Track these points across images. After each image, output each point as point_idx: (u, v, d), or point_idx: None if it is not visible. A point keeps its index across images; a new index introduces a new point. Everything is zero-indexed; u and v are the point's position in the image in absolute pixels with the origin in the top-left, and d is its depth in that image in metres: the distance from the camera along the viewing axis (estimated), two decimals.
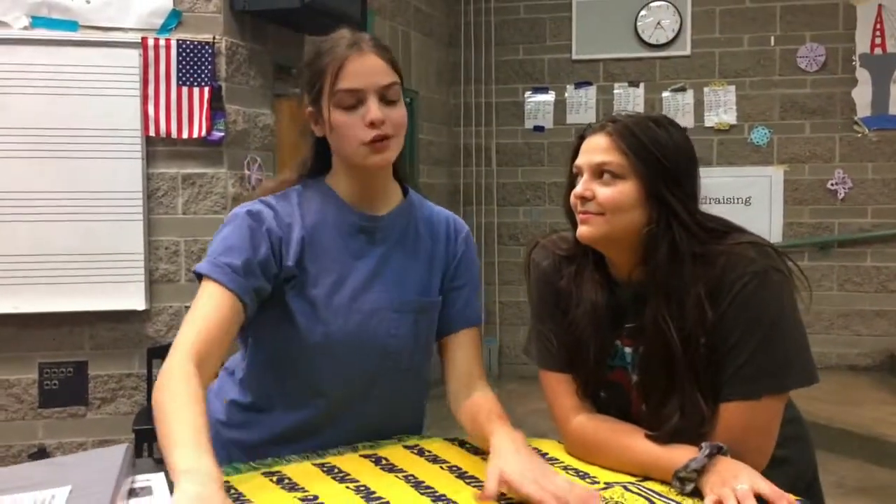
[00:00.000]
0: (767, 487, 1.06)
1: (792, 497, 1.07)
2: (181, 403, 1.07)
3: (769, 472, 1.13)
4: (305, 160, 1.39)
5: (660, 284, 1.21)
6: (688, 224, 1.22)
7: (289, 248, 1.29)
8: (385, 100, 1.26)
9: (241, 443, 1.37)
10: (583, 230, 1.26)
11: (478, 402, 1.34)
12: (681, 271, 1.20)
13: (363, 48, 1.26)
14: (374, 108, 1.24)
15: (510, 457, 1.12)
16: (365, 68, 1.25)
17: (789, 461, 1.32)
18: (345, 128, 1.26)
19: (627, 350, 1.30)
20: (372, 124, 1.24)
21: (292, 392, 1.35)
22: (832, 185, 5.55)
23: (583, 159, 1.28)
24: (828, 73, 5.51)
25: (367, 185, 1.34)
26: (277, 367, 1.35)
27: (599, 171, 1.24)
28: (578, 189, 1.27)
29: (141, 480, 1.03)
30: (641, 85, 5.73)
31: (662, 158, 1.22)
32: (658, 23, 5.68)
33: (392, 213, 1.38)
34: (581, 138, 1.31)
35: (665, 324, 1.20)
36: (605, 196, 1.23)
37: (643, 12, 5.66)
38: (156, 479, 1.03)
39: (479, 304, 1.48)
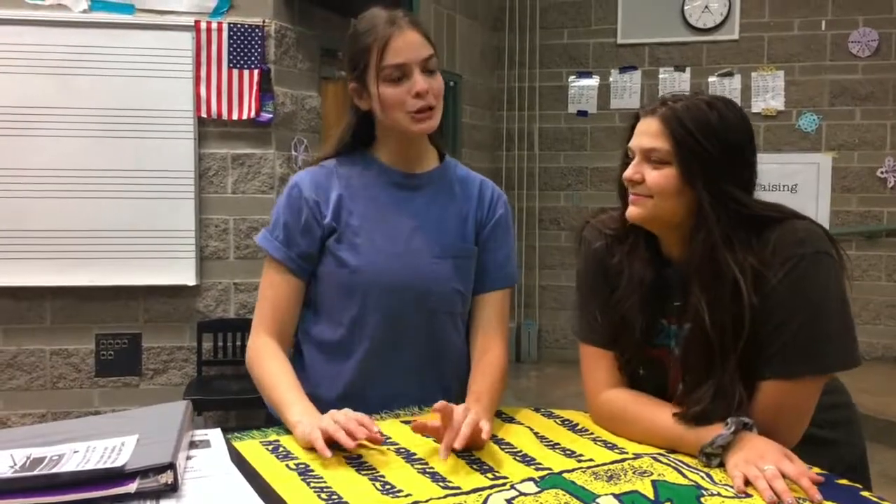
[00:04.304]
0: (791, 467, 1.09)
1: (814, 473, 1.10)
2: (277, 374, 1.38)
3: (814, 451, 1.16)
4: (345, 132, 1.50)
5: (696, 273, 1.24)
6: (731, 212, 1.22)
7: (327, 207, 1.44)
8: (426, 70, 1.38)
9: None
10: (631, 211, 1.30)
11: (480, 370, 1.44)
12: (717, 261, 1.21)
13: (402, 25, 1.37)
14: (420, 80, 1.36)
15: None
16: (407, 44, 1.36)
17: (836, 444, 1.34)
18: (393, 100, 1.38)
19: (673, 328, 1.32)
20: (418, 95, 1.36)
21: (334, 339, 1.46)
22: (882, 172, 5.44)
23: (634, 141, 1.30)
24: (880, 58, 5.39)
25: (408, 150, 1.47)
26: (325, 313, 1.47)
27: (648, 156, 1.27)
28: (629, 172, 1.29)
29: (200, 435, 1.11)
30: (688, 70, 5.67)
31: (707, 147, 1.22)
32: (706, 6, 5.61)
33: (429, 172, 1.50)
34: (637, 118, 1.32)
35: (701, 310, 1.21)
36: (653, 180, 1.25)
37: None
38: (213, 434, 1.11)
39: (514, 267, 1.56)
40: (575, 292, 1.46)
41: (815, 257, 1.19)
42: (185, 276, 3.47)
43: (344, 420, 1.20)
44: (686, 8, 5.62)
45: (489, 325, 1.49)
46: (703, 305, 1.22)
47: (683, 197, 1.24)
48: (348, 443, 1.16)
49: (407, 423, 1.36)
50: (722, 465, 1.16)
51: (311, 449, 1.21)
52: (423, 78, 1.36)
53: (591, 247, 1.40)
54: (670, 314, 1.32)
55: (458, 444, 1.15)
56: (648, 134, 1.26)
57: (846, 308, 1.22)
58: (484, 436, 1.20)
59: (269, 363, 1.40)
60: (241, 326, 3.51)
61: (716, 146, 1.22)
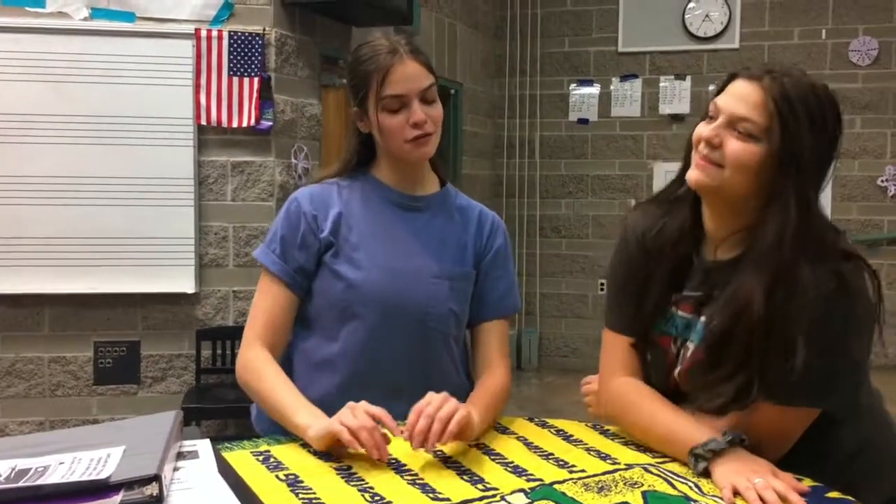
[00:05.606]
0: (780, 483, 1.09)
1: (804, 486, 1.10)
2: (274, 382, 1.38)
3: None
4: (351, 155, 1.52)
5: (756, 263, 1.15)
6: (802, 211, 1.13)
7: (325, 222, 1.44)
8: (425, 100, 1.40)
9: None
10: (694, 174, 1.19)
11: (481, 388, 1.45)
12: (784, 260, 1.13)
13: (403, 55, 1.38)
14: (418, 111, 1.38)
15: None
16: (407, 75, 1.38)
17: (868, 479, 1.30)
18: (391, 129, 1.40)
19: (679, 317, 1.29)
20: (415, 125, 1.38)
21: (326, 354, 1.46)
22: (882, 181, 5.44)
23: (725, 102, 1.18)
24: (880, 67, 5.39)
25: (409, 173, 1.49)
26: (318, 328, 1.47)
27: (736, 124, 1.15)
28: (707, 131, 1.17)
29: (188, 445, 1.10)
30: (688, 78, 5.68)
31: (807, 135, 1.12)
32: (706, 15, 5.62)
33: (429, 196, 1.51)
34: (732, 76, 1.21)
35: (752, 298, 1.14)
36: (732, 151, 1.15)
37: (691, 4, 5.61)
38: (202, 445, 1.11)
39: (516, 295, 1.56)
40: (607, 282, 1.42)
41: (834, 300, 1.13)
42: (184, 283, 3.47)
43: (358, 425, 1.19)
44: (686, 17, 5.63)
45: (493, 353, 1.51)
46: (760, 297, 1.13)
47: (758, 179, 1.15)
48: (358, 448, 1.18)
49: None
50: (707, 471, 1.16)
51: (314, 453, 1.22)
52: (422, 108, 1.38)
53: (632, 230, 1.35)
54: (682, 302, 1.28)
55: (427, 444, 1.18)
56: (746, 102, 1.14)
57: (855, 353, 1.18)
58: (452, 426, 1.19)
59: (265, 371, 1.40)
60: (241, 334, 3.45)
61: (814, 138, 1.13)
